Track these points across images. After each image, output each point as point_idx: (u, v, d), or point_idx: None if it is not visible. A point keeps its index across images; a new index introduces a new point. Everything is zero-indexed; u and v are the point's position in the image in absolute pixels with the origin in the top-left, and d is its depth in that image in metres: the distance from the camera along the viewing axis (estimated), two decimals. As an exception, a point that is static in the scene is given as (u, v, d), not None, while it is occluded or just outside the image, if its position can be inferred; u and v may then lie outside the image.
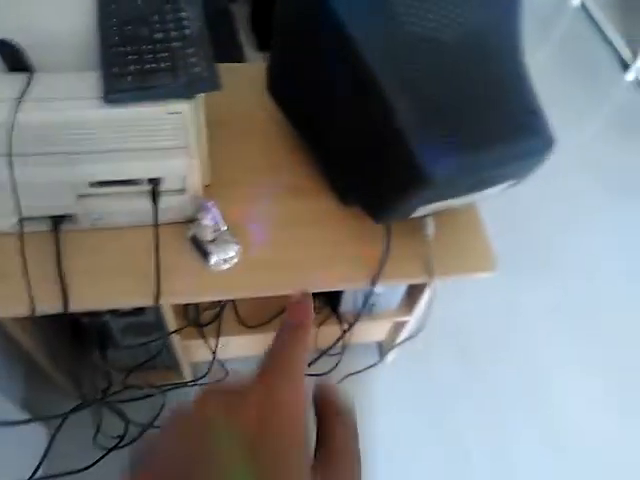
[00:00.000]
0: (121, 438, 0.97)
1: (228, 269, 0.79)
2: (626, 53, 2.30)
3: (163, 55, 0.64)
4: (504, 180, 0.75)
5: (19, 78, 0.62)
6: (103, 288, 0.75)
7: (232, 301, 1.08)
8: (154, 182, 0.73)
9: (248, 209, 0.85)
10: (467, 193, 0.74)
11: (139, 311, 0.95)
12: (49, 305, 0.73)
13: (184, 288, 0.77)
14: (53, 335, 0.98)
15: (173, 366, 1.15)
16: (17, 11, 0.66)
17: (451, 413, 1.37)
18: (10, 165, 0.64)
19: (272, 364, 0.25)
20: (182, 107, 0.64)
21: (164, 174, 0.73)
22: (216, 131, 0.84)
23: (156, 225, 0.75)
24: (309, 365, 0.98)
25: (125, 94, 0.61)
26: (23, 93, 0.61)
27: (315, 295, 1.10)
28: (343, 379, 1.22)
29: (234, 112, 0.95)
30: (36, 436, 1.07)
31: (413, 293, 1.10)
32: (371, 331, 1.30)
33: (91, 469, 0.91)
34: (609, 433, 1.39)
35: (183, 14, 0.69)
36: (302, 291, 0.29)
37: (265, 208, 0.86)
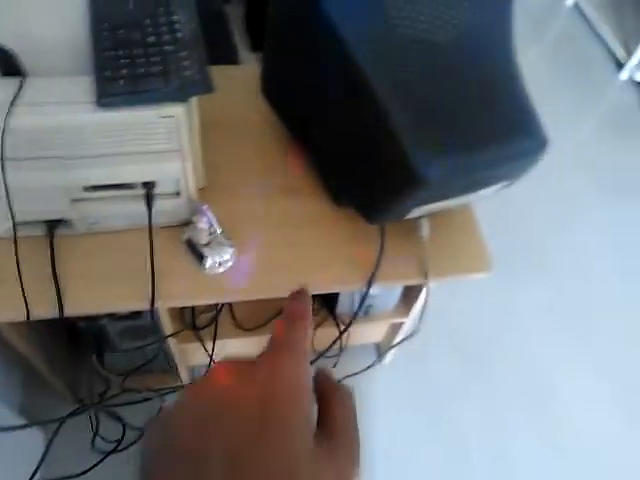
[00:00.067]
0: (119, 442, 0.97)
1: (223, 272, 0.79)
2: (620, 52, 2.30)
3: (155, 59, 0.64)
4: (498, 181, 0.75)
5: (12, 83, 0.62)
6: (98, 292, 0.75)
7: (228, 304, 1.08)
8: (148, 186, 0.73)
9: (243, 211, 0.85)
10: (461, 194, 0.74)
11: (136, 315, 0.95)
12: (44, 310, 0.73)
13: (180, 291, 0.77)
14: (50, 340, 0.98)
15: (170, 369, 1.15)
16: (9, 16, 0.66)
17: (449, 413, 1.37)
18: (3, 170, 0.64)
19: (276, 344, 0.27)
20: (175, 111, 0.64)
21: (158, 178, 0.73)
22: (210, 134, 0.84)
23: (151, 229, 0.75)
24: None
25: (118, 98, 0.61)
26: (16, 97, 0.61)
27: (312, 297, 1.10)
28: (341, 380, 1.22)
29: (228, 114, 0.95)
30: (33, 441, 1.07)
31: (409, 294, 1.10)
32: (368, 332, 1.30)
33: (89, 473, 0.91)
34: (607, 432, 1.39)
35: (175, 17, 0.69)
36: (300, 286, 0.31)
37: (260, 210, 0.86)
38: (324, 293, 1.05)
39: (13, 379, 1.21)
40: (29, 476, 0.87)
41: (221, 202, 0.83)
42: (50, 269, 0.74)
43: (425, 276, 0.84)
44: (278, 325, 0.28)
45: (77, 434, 0.93)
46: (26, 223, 0.74)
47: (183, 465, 0.23)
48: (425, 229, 0.85)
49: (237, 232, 0.81)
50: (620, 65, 2.30)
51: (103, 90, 0.62)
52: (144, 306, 0.75)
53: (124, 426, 0.97)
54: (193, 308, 1.03)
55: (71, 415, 0.85)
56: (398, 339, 1.23)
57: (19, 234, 0.73)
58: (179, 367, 1.14)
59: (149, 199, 0.74)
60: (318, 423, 0.26)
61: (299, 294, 0.30)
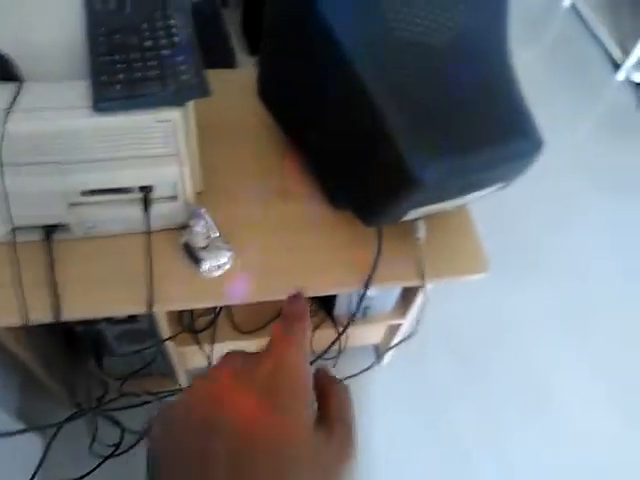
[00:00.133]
0: (117, 446, 0.97)
1: (220, 275, 0.79)
2: (617, 53, 2.31)
3: (152, 63, 0.64)
4: (493, 182, 0.75)
5: (8, 88, 0.62)
6: (96, 296, 0.75)
7: (227, 307, 1.08)
8: (146, 190, 0.73)
9: (240, 215, 0.85)
10: (457, 196, 0.74)
11: (133, 318, 0.95)
12: (42, 314, 0.73)
13: (177, 295, 0.77)
14: (47, 344, 0.98)
15: (169, 373, 1.15)
16: (5, 21, 0.66)
17: (447, 414, 1.37)
18: (1, 175, 0.64)
19: (276, 343, 0.28)
20: (172, 115, 0.64)
21: (155, 182, 0.73)
22: (207, 137, 0.84)
23: (148, 232, 0.75)
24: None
25: (114, 103, 0.62)
26: (12, 103, 0.61)
27: (309, 299, 1.10)
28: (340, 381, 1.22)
29: (225, 118, 0.95)
30: (31, 445, 1.07)
31: (407, 296, 1.11)
32: (367, 334, 1.30)
33: (87, 478, 0.90)
34: (604, 432, 1.39)
35: (172, 22, 0.69)
36: (296, 289, 0.33)
37: (257, 213, 0.86)
38: (322, 295, 1.05)
39: (11, 383, 1.21)
40: (27, 480, 0.86)
41: (218, 206, 0.83)
42: (48, 274, 0.74)
43: (422, 278, 0.84)
44: (276, 328, 0.29)
45: (75, 438, 0.93)
46: (24, 228, 0.74)
47: (187, 464, 0.24)
48: (422, 231, 0.85)
49: (235, 235, 0.81)
50: (617, 66, 2.31)
51: (100, 95, 0.62)
52: (142, 310, 0.76)
53: (122, 430, 0.97)
54: (192, 311, 1.04)
55: (69, 419, 0.85)
56: (396, 341, 1.23)
57: (17, 239, 0.73)
58: (178, 370, 1.14)
59: (146, 203, 0.74)
60: (317, 414, 0.28)
61: (296, 297, 0.32)
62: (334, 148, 0.78)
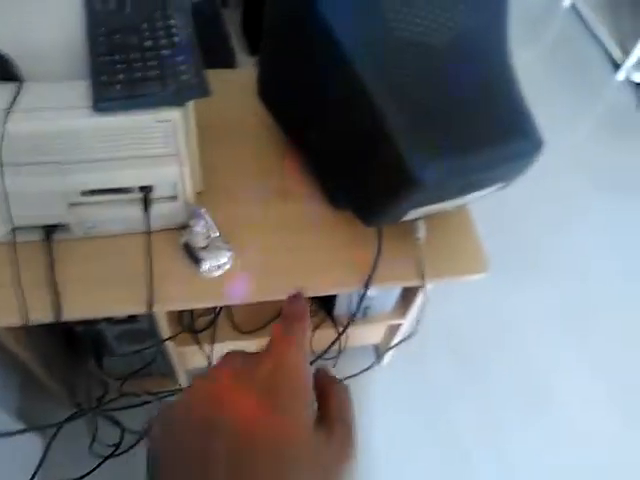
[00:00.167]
0: (117, 446, 0.97)
1: (221, 275, 0.79)
2: (617, 53, 2.31)
3: (152, 63, 0.64)
4: (493, 182, 0.75)
5: (8, 88, 0.62)
6: (96, 296, 0.75)
7: (227, 307, 1.08)
8: (146, 190, 0.73)
9: (240, 215, 0.85)
10: (456, 196, 0.74)
11: (133, 318, 0.95)
12: (42, 314, 0.73)
13: (177, 295, 0.77)
14: (47, 344, 0.98)
15: (169, 373, 1.15)
16: (5, 21, 0.66)
17: (447, 414, 1.37)
18: (1, 175, 0.64)
19: (277, 343, 0.28)
20: (172, 115, 0.64)
21: (155, 182, 0.73)
22: (207, 137, 0.84)
23: (148, 233, 0.75)
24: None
25: (114, 103, 0.62)
26: (12, 103, 0.61)
27: (310, 299, 1.10)
28: (340, 381, 1.22)
29: (225, 118, 0.95)
30: (31, 446, 1.07)
31: (407, 296, 1.11)
32: (367, 334, 1.30)
33: (87, 478, 0.90)
34: (604, 432, 1.39)
35: (172, 22, 0.69)
36: (296, 290, 0.33)
37: (257, 213, 0.86)
38: (322, 295, 1.05)
39: (11, 383, 1.21)
40: (27, 480, 0.86)
41: (219, 206, 0.83)
42: (48, 274, 0.74)
43: (422, 278, 0.84)
44: (276, 328, 0.29)
45: (75, 438, 0.93)
46: (24, 228, 0.74)
47: (187, 464, 0.24)
48: (422, 231, 0.85)
49: (235, 235, 0.81)
50: (617, 66, 2.31)
51: (100, 95, 0.62)
52: (142, 310, 0.76)
53: (122, 430, 0.97)
54: (191, 311, 1.04)
55: (69, 419, 0.85)
56: (396, 341, 1.23)
57: (17, 239, 0.73)
58: (178, 370, 1.14)
59: (146, 203, 0.74)
60: (317, 414, 0.28)
61: (296, 297, 0.32)
62: (334, 148, 0.78)
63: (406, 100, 0.67)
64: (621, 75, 2.30)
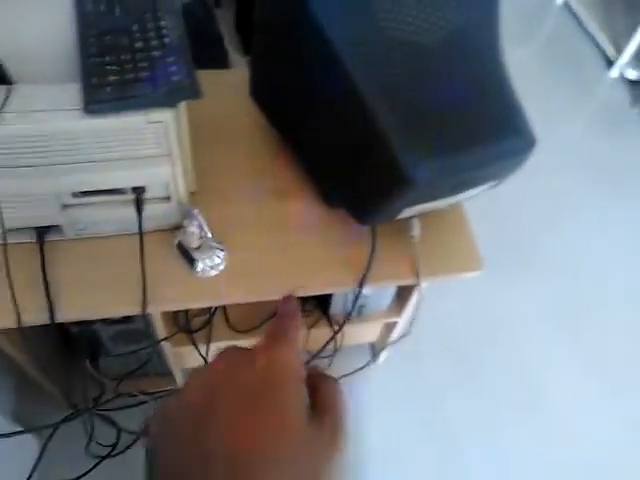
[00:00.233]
0: (113, 447, 0.97)
1: (215, 275, 0.79)
2: (610, 50, 2.32)
3: (143, 64, 0.64)
4: (486, 180, 0.75)
5: (-1, 90, 0.62)
6: (90, 298, 0.75)
7: (222, 307, 1.08)
8: (138, 191, 0.73)
9: (234, 215, 0.85)
10: (450, 194, 0.74)
11: (129, 319, 0.95)
12: (35, 316, 0.73)
13: (171, 295, 0.77)
14: (42, 345, 0.98)
15: (165, 373, 1.15)
16: (-4, 23, 0.66)
17: (442, 412, 1.38)
18: (-8, 177, 0.64)
19: (272, 337, 0.31)
20: (163, 116, 0.64)
21: (148, 182, 0.73)
22: (200, 137, 0.84)
23: (141, 233, 0.75)
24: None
25: (105, 105, 0.62)
26: (3, 105, 0.61)
27: (305, 298, 1.10)
28: (337, 380, 1.22)
29: (218, 118, 0.95)
30: (27, 447, 1.07)
31: (402, 294, 1.11)
32: (363, 333, 1.31)
33: (83, 479, 0.91)
34: (596, 429, 1.40)
35: (163, 23, 0.69)
36: (288, 291, 0.35)
37: (251, 213, 0.86)
38: (317, 294, 1.05)
39: (6, 385, 1.21)
40: (24, 482, 0.87)
41: (212, 206, 0.83)
42: (41, 275, 0.74)
43: (416, 276, 0.85)
44: (270, 326, 0.32)
45: (71, 439, 0.93)
46: (16, 230, 0.74)
47: (187, 463, 0.25)
48: (416, 229, 0.86)
49: (228, 236, 0.81)
50: (610, 63, 2.32)
51: (90, 97, 0.62)
52: (136, 311, 0.76)
53: (119, 431, 0.97)
54: (187, 311, 1.04)
55: (65, 420, 0.85)
56: (392, 339, 1.24)
57: (9, 240, 0.73)
58: (174, 370, 1.14)
59: (139, 204, 0.74)
60: (309, 407, 0.29)
61: (289, 298, 0.35)
62: (327, 147, 0.78)
63: (398, 99, 0.67)
64: (614, 72, 2.30)
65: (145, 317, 0.90)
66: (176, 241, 0.78)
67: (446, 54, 0.71)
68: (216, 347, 1.06)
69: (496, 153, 0.71)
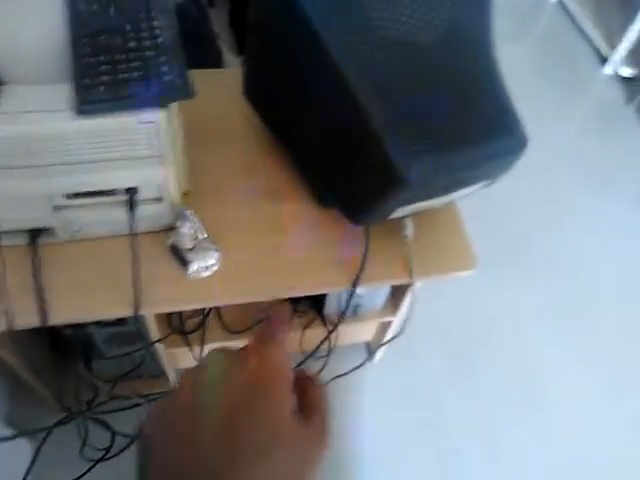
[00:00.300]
0: (107, 450, 0.97)
1: (208, 277, 0.78)
2: (604, 47, 2.32)
3: (135, 64, 0.64)
4: (479, 180, 0.75)
5: (-11, 91, 0.61)
6: (83, 300, 0.75)
7: (216, 308, 1.07)
8: (131, 192, 0.73)
9: (228, 215, 0.85)
10: (442, 194, 0.74)
11: (122, 321, 0.94)
12: (28, 319, 0.72)
13: (165, 297, 0.77)
14: (35, 348, 0.97)
15: (159, 374, 1.15)
16: (-15, 24, 0.65)
17: (439, 411, 1.38)
18: (-17, 179, 0.64)
19: (262, 338, 0.32)
20: (155, 116, 0.64)
21: (140, 183, 0.72)
22: (194, 138, 0.83)
23: (134, 235, 0.74)
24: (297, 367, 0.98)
25: (97, 105, 0.61)
26: (-7, 107, 0.60)
27: (299, 298, 1.10)
28: (331, 380, 1.22)
29: (211, 118, 0.95)
30: (21, 451, 1.06)
31: (397, 294, 1.11)
32: (357, 332, 1.31)
33: (77, 482, 0.90)
34: (595, 428, 1.40)
35: (156, 23, 0.68)
36: (276, 299, 0.36)
37: (244, 213, 0.86)
38: (311, 294, 1.05)
39: (0, 390, 1.20)
40: (17, 486, 0.86)
41: (206, 206, 0.82)
42: (34, 278, 0.73)
43: (410, 275, 0.84)
44: (258, 331, 0.33)
45: (65, 443, 0.93)
46: (8, 232, 0.73)
47: (180, 463, 0.26)
48: (409, 229, 0.86)
49: (222, 236, 0.80)
50: (604, 60, 2.32)
51: (82, 97, 0.61)
52: (129, 313, 0.75)
53: (113, 434, 0.97)
54: (180, 313, 1.03)
55: (59, 424, 0.85)
56: (387, 338, 1.24)
57: (2, 243, 0.72)
58: (168, 372, 1.13)
59: (132, 205, 0.73)
60: (297, 406, 0.30)
61: (281, 305, 0.36)
62: (320, 147, 0.78)
63: (391, 99, 0.67)
64: (608, 69, 2.31)
65: (138, 319, 0.89)
66: (169, 242, 0.78)
67: (440, 53, 0.71)
68: (210, 348, 1.06)
69: (489, 153, 0.71)
